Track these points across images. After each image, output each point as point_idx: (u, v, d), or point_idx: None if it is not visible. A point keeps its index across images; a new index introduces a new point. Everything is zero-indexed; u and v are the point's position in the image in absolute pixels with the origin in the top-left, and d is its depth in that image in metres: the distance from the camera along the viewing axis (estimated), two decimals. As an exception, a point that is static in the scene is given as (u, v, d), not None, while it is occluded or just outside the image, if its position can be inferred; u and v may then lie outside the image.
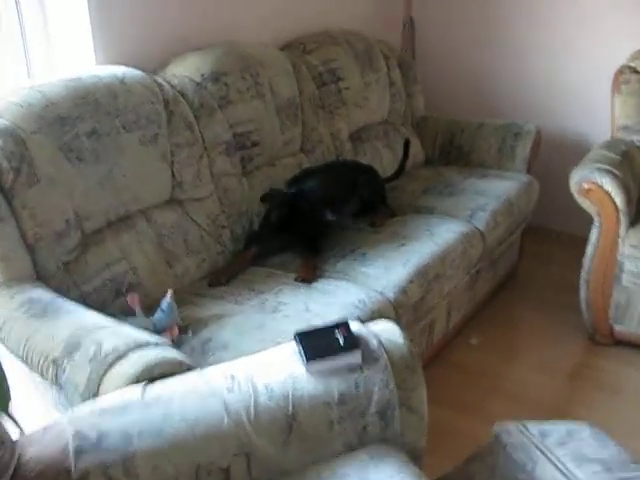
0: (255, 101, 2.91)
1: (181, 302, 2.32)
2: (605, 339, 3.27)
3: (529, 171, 3.68)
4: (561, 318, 3.44)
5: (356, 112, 3.52)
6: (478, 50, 4.20)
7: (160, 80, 2.65)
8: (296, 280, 2.51)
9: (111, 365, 1.67)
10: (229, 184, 2.77)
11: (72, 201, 2.22)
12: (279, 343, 1.82)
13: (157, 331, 2.14)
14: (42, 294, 2.01)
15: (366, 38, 3.72)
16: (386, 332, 1.73)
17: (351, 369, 1.63)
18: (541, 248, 4.02)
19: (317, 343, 1.63)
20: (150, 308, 2.24)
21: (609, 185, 3.04)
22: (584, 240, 3.23)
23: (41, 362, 1.77)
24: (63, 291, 2.14)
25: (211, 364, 1.75)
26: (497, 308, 3.57)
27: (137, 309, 2.21)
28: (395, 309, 2.47)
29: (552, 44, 4.01)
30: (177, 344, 2.10)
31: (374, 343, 1.67)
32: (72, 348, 1.73)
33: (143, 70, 2.61)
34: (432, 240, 2.85)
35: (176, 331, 2.17)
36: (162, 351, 1.72)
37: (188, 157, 2.62)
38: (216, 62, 2.82)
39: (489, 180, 3.51)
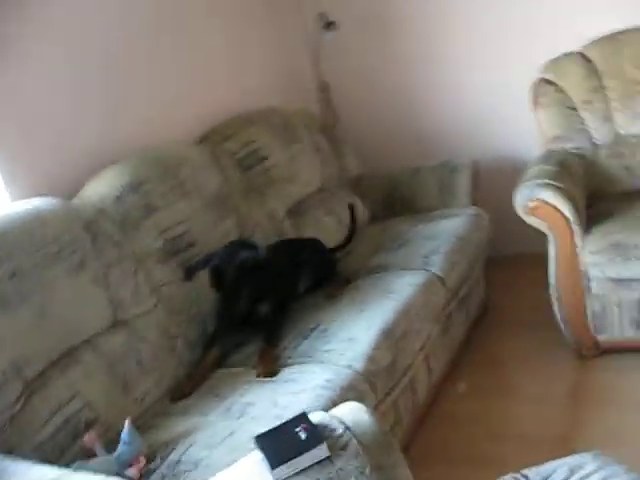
0: (181, 202, 2.82)
1: (145, 427, 2.19)
2: (592, 351, 3.17)
3: (475, 203, 3.62)
4: (543, 340, 3.33)
5: (288, 187, 3.45)
6: (397, 99, 4.18)
7: (77, 203, 2.55)
8: (258, 377, 2.38)
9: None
10: (171, 292, 2.66)
11: (4, 352, 2.08)
12: (252, 450, 1.68)
13: (122, 467, 1.99)
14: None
15: (282, 111, 3.68)
16: (351, 414, 1.61)
17: (321, 464, 1.49)
18: (507, 276, 3.93)
19: (279, 445, 1.50)
20: (116, 442, 2.09)
21: (553, 198, 2.99)
22: (539, 256, 3.18)
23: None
24: (14, 447, 1.99)
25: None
26: (477, 347, 3.45)
27: (97, 448, 2.05)
28: (367, 380, 2.35)
29: (462, 78, 4.02)
30: (146, 476, 1.96)
31: (340, 430, 1.55)
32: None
33: (60, 196, 2.52)
34: (391, 298, 2.75)
35: (142, 462, 2.01)
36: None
37: (122, 275, 2.51)
38: (133, 172, 2.73)
39: (436, 222, 3.44)
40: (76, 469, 1.91)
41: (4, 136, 2.52)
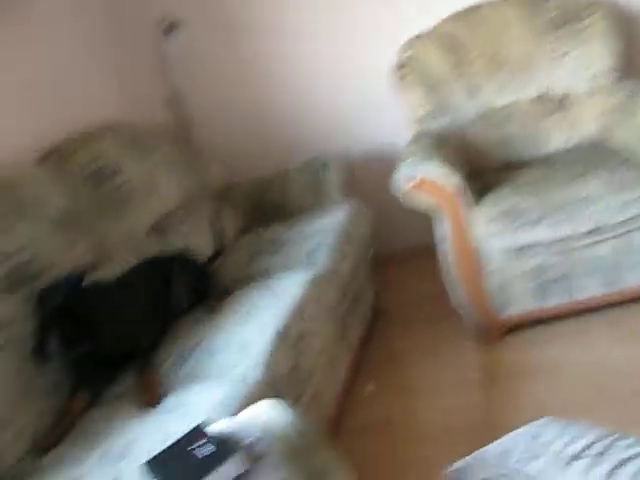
0: (21, 225, 2.38)
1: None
2: (497, 332, 2.95)
3: (351, 198, 3.35)
4: (446, 330, 3.11)
5: (148, 202, 3.06)
6: (255, 102, 3.85)
7: None
8: (141, 409, 1.98)
9: None
10: (16, 332, 2.17)
11: None
12: None
13: None
14: None
15: (130, 124, 3.29)
16: (265, 414, 1.25)
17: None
18: (397, 272, 3.67)
19: (176, 468, 1.12)
20: None
21: (435, 172, 2.78)
22: (425, 247, 3.09)
23: None
24: None
25: None
26: (378, 347, 3.18)
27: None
28: (271, 389, 1.99)
29: (322, 72, 3.76)
30: None
31: (254, 435, 1.19)
32: None
33: None
34: (279, 299, 2.42)
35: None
36: None
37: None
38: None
39: (314, 221, 3.15)
40: None
41: None
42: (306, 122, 3.85)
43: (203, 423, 1.23)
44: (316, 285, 2.55)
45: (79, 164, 2.87)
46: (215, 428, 1.21)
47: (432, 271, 3.11)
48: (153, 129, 3.40)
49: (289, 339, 2.21)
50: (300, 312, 2.35)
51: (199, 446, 1.14)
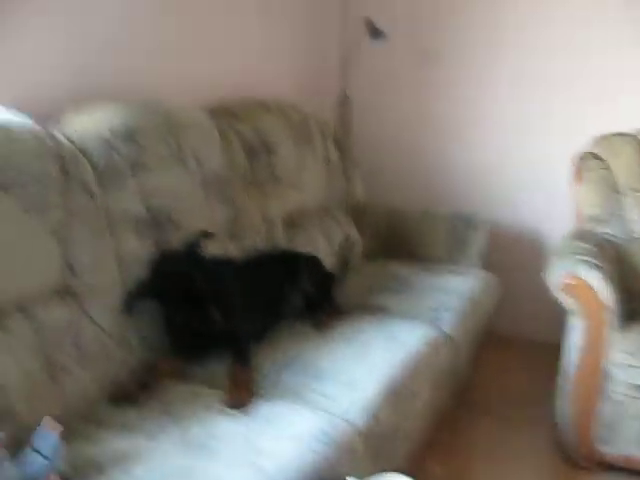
0: (176, 170, 2.28)
1: (69, 434, 1.57)
2: (588, 462, 2.67)
3: (486, 268, 3.14)
4: (529, 436, 2.84)
5: (289, 193, 2.92)
6: (420, 132, 3.69)
7: (55, 133, 1.96)
8: (225, 407, 1.81)
9: None
10: (138, 271, 2.06)
11: None
12: None
13: (28, 482, 1.39)
14: None
15: (300, 109, 3.16)
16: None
17: None
18: (495, 356, 3.43)
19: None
20: (25, 443, 1.49)
21: (595, 279, 2.53)
22: (544, 346, 2.88)
23: None
24: None
25: None
26: (456, 429, 2.93)
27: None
28: (365, 442, 1.81)
29: (503, 127, 3.55)
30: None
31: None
32: None
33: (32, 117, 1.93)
34: (396, 347, 2.22)
35: (56, 484, 1.41)
36: None
37: (86, 234, 1.93)
38: (130, 117, 2.18)
39: (443, 276, 2.95)
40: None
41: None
42: (460, 174, 3.66)
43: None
44: (436, 346, 2.36)
45: (242, 130, 2.75)
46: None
47: (538, 371, 2.85)
48: (318, 122, 3.25)
49: (400, 395, 2.01)
50: (416, 369, 2.15)
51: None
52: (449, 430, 2.88)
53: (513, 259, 3.46)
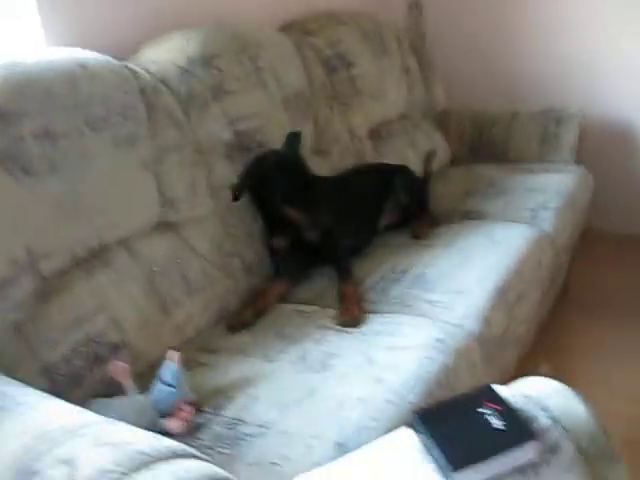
0: (257, 91, 2.21)
1: (187, 363, 1.57)
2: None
3: (578, 162, 2.99)
4: (636, 331, 2.73)
5: (372, 105, 2.82)
6: (498, 32, 3.49)
7: (133, 66, 1.92)
8: (338, 324, 1.78)
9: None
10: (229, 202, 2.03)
11: (20, 233, 1.48)
12: (344, 419, 1.24)
13: (160, 415, 1.40)
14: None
15: (374, 18, 3.02)
16: (554, 399, 1.00)
17: (520, 471, 0.89)
18: (592, 253, 3.30)
19: (458, 432, 0.90)
20: (144, 377, 1.52)
21: None
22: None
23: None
24: (14, 366, 1.39)
25: (252, 463, 1.06)
26: (558, 328, 2.85)
27: (127, 383, 1.46)
28: (481, 347, 1.76)
29: (583, 21, 3.32)
30: (192, 432, 1.37)
31: (544, 421, 0.94)
32: None
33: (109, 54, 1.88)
34: (499, 250, 2.15)
35: (189, 411, 1.42)
36: (197, 467, 0.94)
37: (178, 164, 1.90)
38: (205, 43, 2.11)
39: (538, 175, 2.81)
40: (97, 409, 1.31)
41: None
42: (544, 67, 3.46)
43: (489, 383, 1.00)
44: (540, 246, 2.27)
45: (317, 45, 2.66)
46: (503, 395, 0.97)
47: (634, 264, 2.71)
48: (394, 30, 3.12)
49: (507, 298, 1.95)
50: (521, 272, 2.08)
51: (487, 412, 0.91)
52: (554, 331, 2.80)
53: (605, 152, 3.29)
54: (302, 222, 1.99)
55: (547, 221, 2.43)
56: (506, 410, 0.92)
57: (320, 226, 2.00)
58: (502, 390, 1.00)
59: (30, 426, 1.03)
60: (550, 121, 3.03)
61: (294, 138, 2.14)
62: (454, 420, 0.92)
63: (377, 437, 1.11)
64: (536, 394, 1.00)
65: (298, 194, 1.97)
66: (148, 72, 1.94)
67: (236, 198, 1.98)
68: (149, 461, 0.92)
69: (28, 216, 1.50)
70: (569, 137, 2.99)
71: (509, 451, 0.87)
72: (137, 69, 1.91)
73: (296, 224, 1.99)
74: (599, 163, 3.14)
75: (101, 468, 0.92)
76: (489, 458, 0.85)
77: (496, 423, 0.90)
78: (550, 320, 2.79)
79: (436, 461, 0.88)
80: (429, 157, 2.79)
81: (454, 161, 3.18)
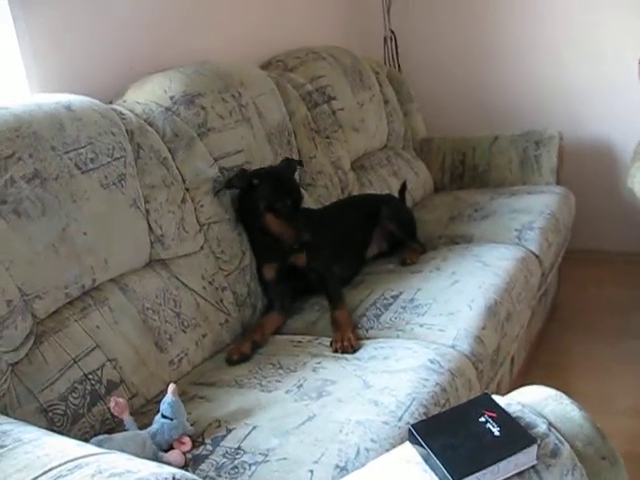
0: (241, 127, 2.23)
1: (185, 397, 1.60)
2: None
3: (559, 183, 3.05)
4: (624, 347, 2.76)
5: (354, 137, 2.87)
6: (473, 58, 3.58)
7: (119, 108, 1.95)
8: (336, 352, 1.79)
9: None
10: (222, 232, 2.06)
11: (13, 274, 1.48)
12: (344, 442, 1.26)
13: (160, 448, 1.40)
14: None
15: (351, 53, 3.09)
16: (548, 405, 1.02)
17: (521, 476, 0.91)
18: (578, 272, 3.34)
19: (457, 442, 0.91)
20: (142, 414, 1.56)
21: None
22: (622, 256, 2.90)
23: None
24: (13, 406, 1.40)
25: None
26: (550, 348, 2.88)
27: (126, 419, 1.46)
28: (475, 366, 1.78)
29: (557, 42, 3.41)
30: (193, 464, 1.37)
31: (541, 426, 0.96)
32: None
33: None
34: (487, 271, 2.17)
35: (188, 444, 1.42)
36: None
37: (167, 202, 1.91)
38: (188, 82, 2.14)
39: (521, 197, 2.87)
40: (98, 444, 1.31)
41: (35, 13, 1.91)
42: (521, 93, 3.54)
43: (487, 391, 1.02)
44: (526, 265, 2.30)
45: (299, 81, 2.71)
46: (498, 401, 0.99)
47: (622, 281, 2.87)
48: (371, 64, 3.18)
49: (498, 317, 1.97)
50: (510, 290, 2.11)
51: (488, 422, 0.92)
52: (545, 349, 2.83)
53: (586, 172, 3.36)
54: (284, 233, 1.99)
55: (533, 241, 2.48)
56: (504, 417, 0.94)
57: (302, 239, 1.98)
58: (499, 399, 1.01)
59: (33, 461, 1.03)
60: (530, 144, 3.10)
61: (290, 162, 2.19)
62: (452, 430, 0.93)
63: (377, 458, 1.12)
64: (532, 401, 1.02)
65: (283, 207, 1.99)
66: (134, 113, 1.97)
67: (217, 192, 2.03)
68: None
69: (21, 257, 1.50)
70: (549, 158, 3.05)
71: (509, 457, 0.88)
72: (123, 110, 1.94)
73: (280, 238, 2.00)
74: (580, 183, 3.21)
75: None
76: (490, 466, 0.86)
77: (495, 431, 0.91)
78: (541, 339, 2.82)
79: (436, 473, 0.89)
80: (402, 189, 2.81)
81: (437, 188, 3.23)
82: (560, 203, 2.82)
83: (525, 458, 0.89)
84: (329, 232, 2.21)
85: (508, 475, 0.88)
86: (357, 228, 2.36)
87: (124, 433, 1.43)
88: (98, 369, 1.59)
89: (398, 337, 1.84)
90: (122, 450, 1.23)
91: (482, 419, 0.93)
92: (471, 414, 0.94)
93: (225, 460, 1.38)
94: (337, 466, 1.30)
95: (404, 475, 0.92)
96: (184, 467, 1.37)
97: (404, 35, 3.59)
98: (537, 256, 2.44)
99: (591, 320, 3.03)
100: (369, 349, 1.78)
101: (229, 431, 1.47)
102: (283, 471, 1.31)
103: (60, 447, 1.10)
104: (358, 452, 1.34)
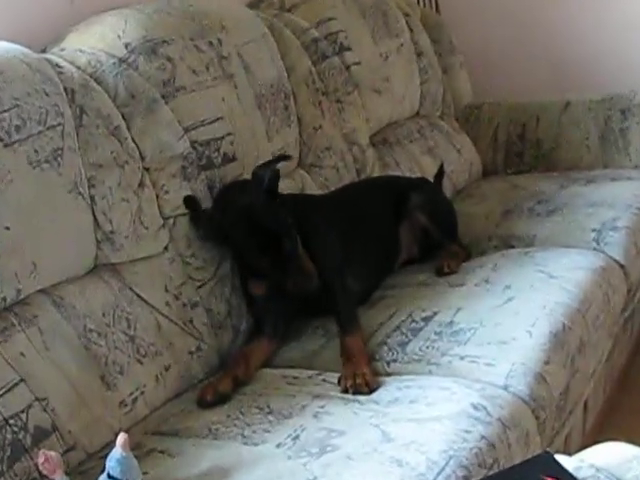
0: (221, 86, 2.29)
1: (139, 452, 1.61)
2: None
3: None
4: None
5: (375, 101, 2.96)
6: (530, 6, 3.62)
7: (55, 58, 1.96)
8: (346, 392, 1.81)
9: None
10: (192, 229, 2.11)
11: None
12: None
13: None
14: None
15: (376, -8, 3.14)
16: (633, 470, 1.03)
17: None
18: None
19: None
20: (82, 473, 1.60)
21: None
22: None
23: None
24: None
25: None
26: (637, 389, 2.89)
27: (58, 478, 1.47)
28: (534, 413, 1.81)
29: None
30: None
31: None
32: None
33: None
34: (556, 285, 2.21)
35: (142, 515, 1.43)
36: None
37: (119, 187, 1.94)
38: (149, 24, 2.20)
39: (601, 185, 2.94)
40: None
41: None
42: (602, 44, 3.59)
43: (550, 452, 1.03)
44: (607, 278, 2.35)
45: (300, 25, 2.78)
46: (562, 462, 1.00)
47: None
48: (401, 4, 3.22)
49: (567, 348, 2.00)
50: (583, 312, 2.14)
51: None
52: (631, 391, 2.86)
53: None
54: (286, 274, 2.01)
55: (616, 245, 2.51)
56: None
57: (311, 286, 2.01)
58: (564, 460, 1.02)
59: None
60: (614, 112, 3.15)
61: (267, 169, 2.12)
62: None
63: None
64: (610, 464, 1.03)
65: (274, 246, 1.99)
66: (75, 66, 2.01)
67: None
68: None
69: None
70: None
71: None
72: (61, 62, 1.98)
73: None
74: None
75: None
76: None
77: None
78: (625, 378, 2.83)
79: None
80: (439, 172, 2.87)
81: (487, 172, 3.29)
82: (656, 194, 2.85)
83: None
84: (338, 228, 2.24)
85: None
86: (377, 223, 2.39)
87: (55, 500, 1.44)
88: (22, 411, 1.61)
89: (430, 373, 1.88)
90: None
91: None
92: (530, 475, 0.95)
93: (192, 538, 1.39)
94: None
95: None
96: None
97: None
98: (622, 266, 2.48)
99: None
100: (390, 389, 1.81)
101: (198, 499, 1.48)
102: None
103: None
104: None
